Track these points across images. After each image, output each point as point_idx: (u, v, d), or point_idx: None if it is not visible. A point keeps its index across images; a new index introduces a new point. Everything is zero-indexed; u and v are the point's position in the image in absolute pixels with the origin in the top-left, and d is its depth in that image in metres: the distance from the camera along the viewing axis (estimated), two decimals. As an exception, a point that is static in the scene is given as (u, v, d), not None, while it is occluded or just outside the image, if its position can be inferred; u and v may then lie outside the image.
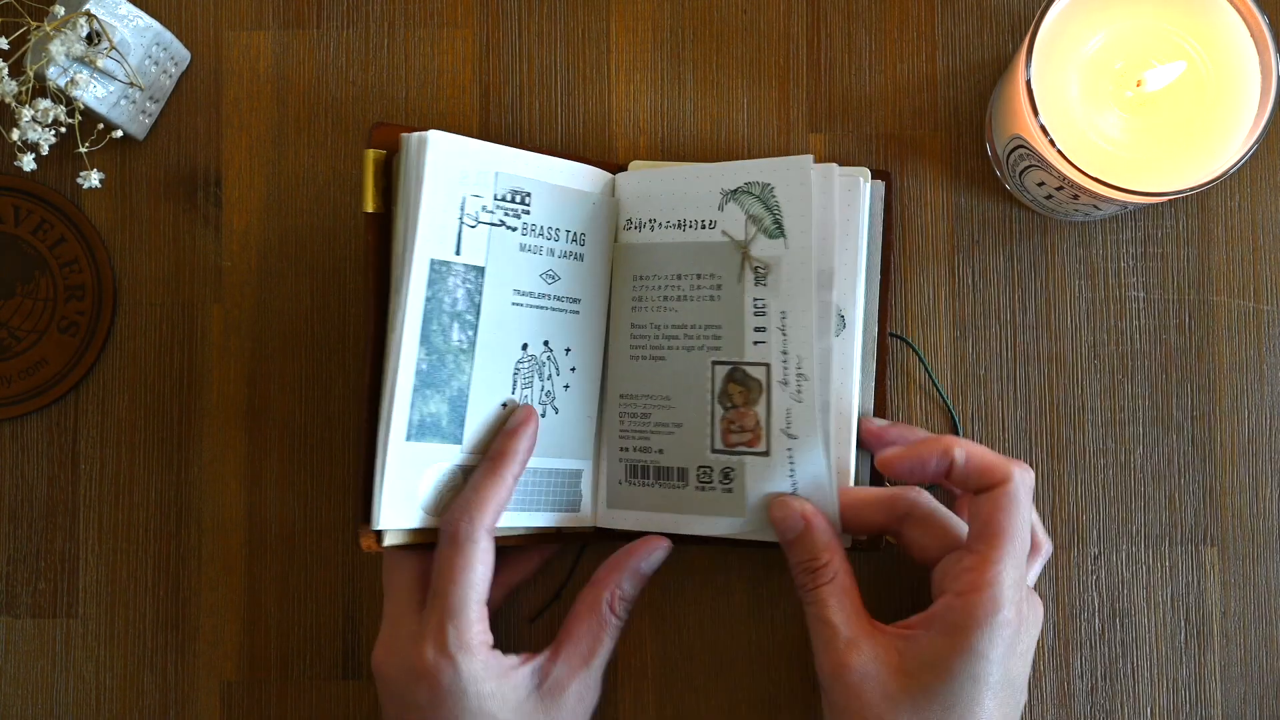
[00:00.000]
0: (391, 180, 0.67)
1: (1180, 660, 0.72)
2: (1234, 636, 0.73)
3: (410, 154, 0.65)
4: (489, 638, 0.65)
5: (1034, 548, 0.68)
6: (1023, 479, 0.63)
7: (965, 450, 0.64)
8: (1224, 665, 0.73)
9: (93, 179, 0.69)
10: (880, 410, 0.70)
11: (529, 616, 0.73)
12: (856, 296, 0.69)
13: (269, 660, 0.73)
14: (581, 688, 0.66)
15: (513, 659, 0.66)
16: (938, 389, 0.73)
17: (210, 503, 0.73)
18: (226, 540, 0.73)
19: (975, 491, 0.64)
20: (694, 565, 0.73)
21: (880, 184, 0.70)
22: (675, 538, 0.69)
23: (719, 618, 0.73)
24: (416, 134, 0.65)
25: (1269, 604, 0.73)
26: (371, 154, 0.66)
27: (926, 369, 0.73)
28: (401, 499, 0.65)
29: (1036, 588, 0.72)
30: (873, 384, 0.70)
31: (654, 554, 0.69)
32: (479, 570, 0.64)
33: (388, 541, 0.65)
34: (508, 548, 0.69)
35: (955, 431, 0.73)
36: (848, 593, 0.64)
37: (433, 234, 0.65)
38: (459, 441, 0.67)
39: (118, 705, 0.73)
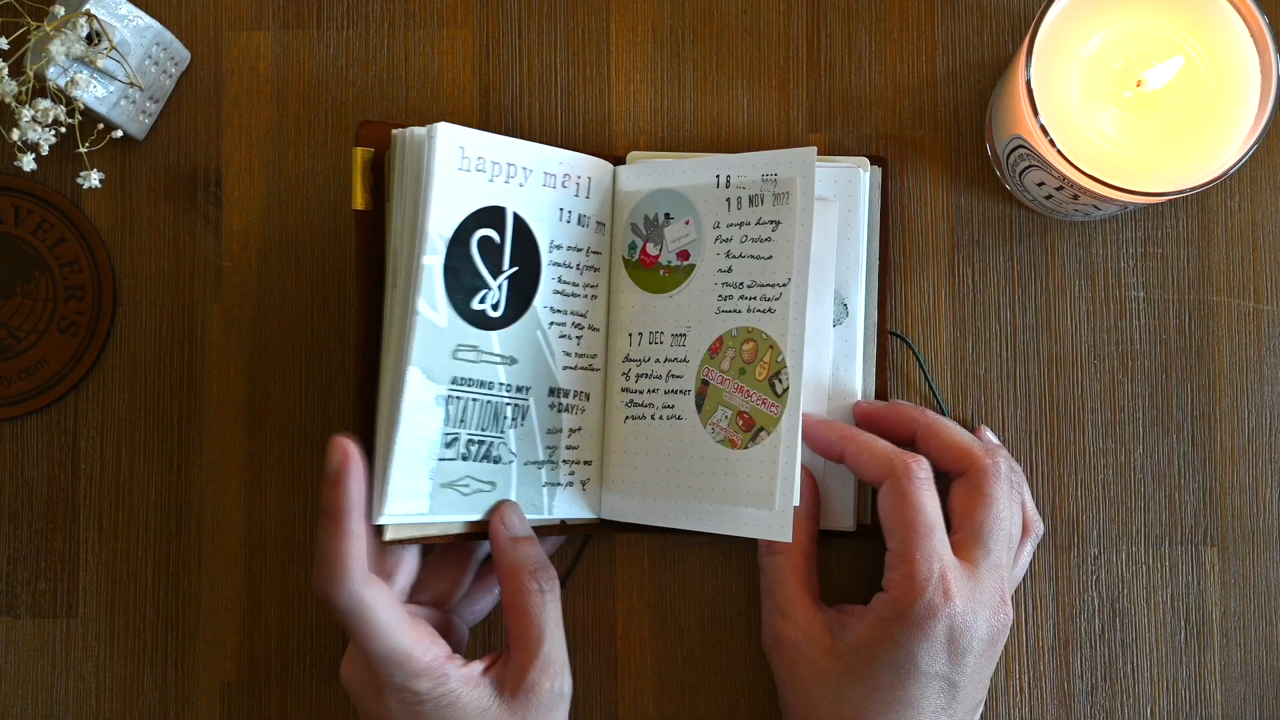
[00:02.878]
0: (381, 177, 0.66)
1: (1180, 660, 0.72)
2: (1234, 636, 0.73)
3: (408, 148, 0.65)
4: (438, 651, 0.63)
5: (1024, 529, 0.69)
6: (905, 472, 0.64)
7: (854, 450, 0.66)
8: (1224, 665, 0.73)
9: (93, 179, 0.69)
10: (881, 399, 0.70)
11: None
12: (858, 285, 0.69)
13: (269, 660, 0.73)
14: (541, 676, 0.64)
15: (475, 666, 0.64)
16: (934, 393, 0.73)
17: (210, 503, 0.73)
18: (226, 540, 0.73)
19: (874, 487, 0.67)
20: (694, 565, 0.73)
21: (877, 170, 0.70)
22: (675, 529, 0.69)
23: (719, 618, 0.73)
24: (415, 128, 0.65)
25: (1269, 604, 0.73)
26: (360, 151, 0.66)
27: (924, 372, 0.73)
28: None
29: (1029, 580, 0.72)
30: (874, 370, 0.70)
31: (511, 514, 0.67)
32: (384, 619, 0.62)
33: (389, 536, 0.65)
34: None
35: None
36: (796, 570, 0.66)
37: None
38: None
39: (118, 705, 0.73)
